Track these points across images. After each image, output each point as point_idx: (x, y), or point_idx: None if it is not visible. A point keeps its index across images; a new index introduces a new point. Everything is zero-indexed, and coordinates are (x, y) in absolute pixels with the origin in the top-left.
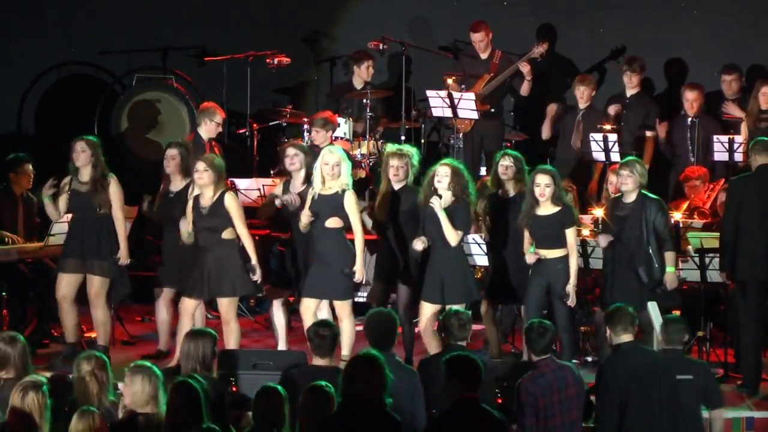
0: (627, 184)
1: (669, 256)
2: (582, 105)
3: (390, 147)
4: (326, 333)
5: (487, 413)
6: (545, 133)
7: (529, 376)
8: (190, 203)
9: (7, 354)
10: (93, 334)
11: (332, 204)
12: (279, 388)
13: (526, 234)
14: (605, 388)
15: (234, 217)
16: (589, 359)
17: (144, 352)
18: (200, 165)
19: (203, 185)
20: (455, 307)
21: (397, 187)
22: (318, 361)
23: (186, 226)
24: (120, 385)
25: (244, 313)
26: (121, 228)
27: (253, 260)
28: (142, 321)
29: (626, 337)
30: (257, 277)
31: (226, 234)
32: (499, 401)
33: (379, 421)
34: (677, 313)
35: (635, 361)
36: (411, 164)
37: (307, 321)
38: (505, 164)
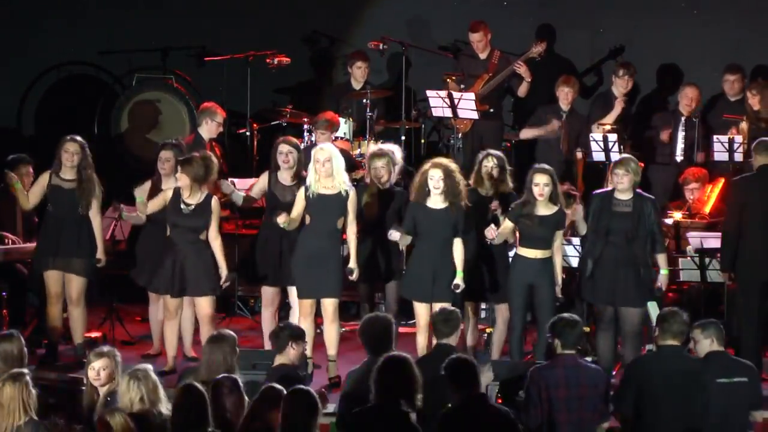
0: (623, 182)
1: (662, 258)
2: (564, 107)
3: (371, 148)
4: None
5: (495, 408)
6: (525, 135)
7: (540, 366)
8: (169, 195)
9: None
10: (94, 334)
11: (338, 204)
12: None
13: (506, 225)
14: (626, 380)
15: (214, 220)
16: (589, 359)
17: (144, 351)
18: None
19: (183, 186)
20: (442, 304)
21: (383, 187)
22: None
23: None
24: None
25: (245, 313)
26: (99, 228)
27: (223, 266)
28: (142, 321)
29: (672, 342)
30: (226, 280)
31: (202, 235)
32: (500, 401)
33: (402, 426)
34: None
35: (669, 364)
36: (392, 162)
37: (307, 324)
38: (490, 165)
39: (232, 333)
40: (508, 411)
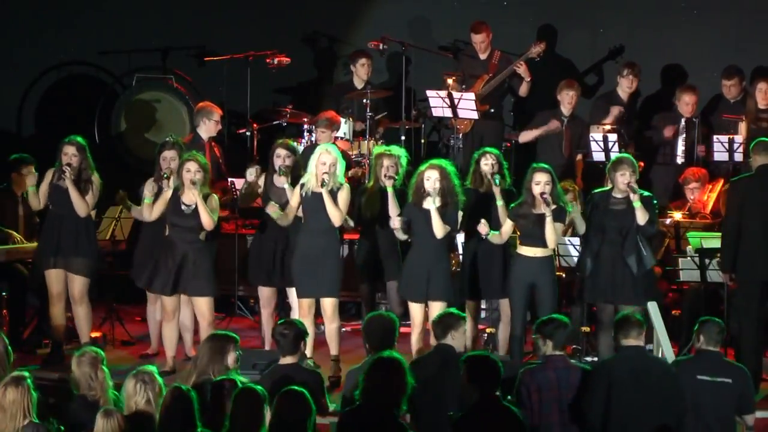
0: (633, 181)
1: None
2: (566, 111)
3: (378, 148)
4: (287, 331)
5: (508, 411)
6: (525, 138)
7: (531, 368)
8: (168, 194)
9: None
10: (94, 334)
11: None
12: (258, 388)
13: (507, 226)
14: (593, 385)
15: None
16: (589, 359)
17: (144, 351)
18: (192, 165)
19: (197, 183)
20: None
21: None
22: (284, 360)
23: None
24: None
25: (245, 313)
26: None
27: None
28: (142, 321)
29: (631, 342)
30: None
31: (202, 235)
32: None
33: (389, 428)
34: (677, 313)
35: (633, 364)
36: (399, 164)
37: (307, 324)
38: (489, 162)
39: (231, 334)
40: (516, 410)
